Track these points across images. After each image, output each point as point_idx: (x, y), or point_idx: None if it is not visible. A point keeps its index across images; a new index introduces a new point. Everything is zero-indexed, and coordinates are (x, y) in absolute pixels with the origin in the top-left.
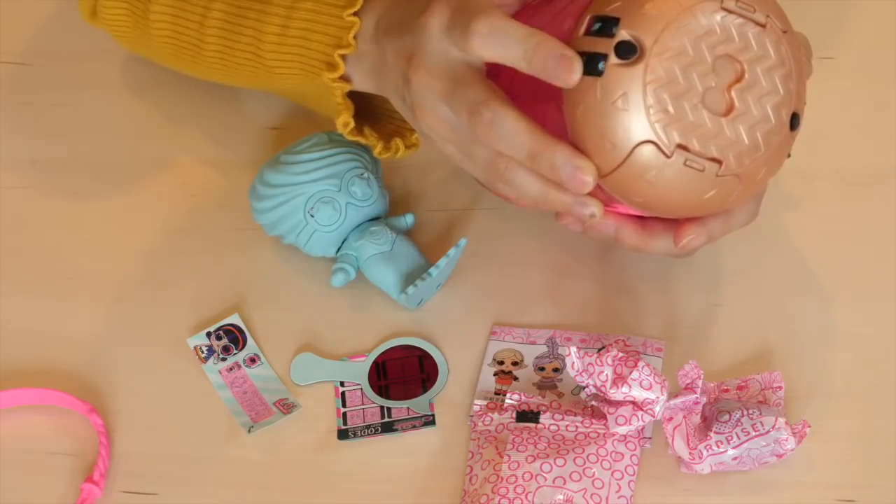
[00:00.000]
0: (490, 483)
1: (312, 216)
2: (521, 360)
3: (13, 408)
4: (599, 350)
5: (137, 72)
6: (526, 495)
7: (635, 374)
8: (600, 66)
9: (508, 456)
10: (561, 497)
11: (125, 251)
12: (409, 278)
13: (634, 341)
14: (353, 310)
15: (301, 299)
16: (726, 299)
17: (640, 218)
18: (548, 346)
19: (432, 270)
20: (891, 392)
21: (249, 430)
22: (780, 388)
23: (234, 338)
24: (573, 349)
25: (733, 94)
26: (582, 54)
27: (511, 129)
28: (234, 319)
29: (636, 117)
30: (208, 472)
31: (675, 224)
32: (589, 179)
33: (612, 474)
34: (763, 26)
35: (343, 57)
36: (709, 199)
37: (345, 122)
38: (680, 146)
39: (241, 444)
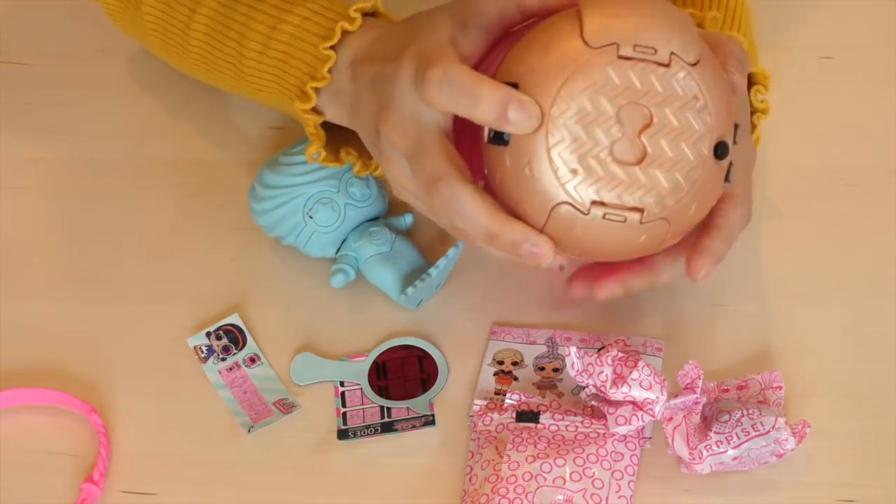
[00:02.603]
0: (490, 483)
1: (311, 217)
2: (521, 360)
3: (13, 408)
4: (599, 350)
5: (138, 72)
6: (526, 495)
7: (635, 374)
8: (505, 136)
9: (508, 456)
10: (561, 497)
11: (125, 251)
12: (409, 279)
13: (634, 341)
14: (353, 310)
15: (301, 299)
16: (726, 299)
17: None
18: (547, 346)
19: (432, 271)
20: (891, 392)
21: (249, 430)
22: (780, 388)
23: (233, 338)
24: (573, 349)
25: (643, 140)
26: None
27: (467, 209)
28: (234, 319)
29: (546, 181)
30: (208, 472)
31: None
32: (546, 254)
33: (612, 474)
34: (667, 65)
35: (317, 89)
36: (642, 243)
37: (315, 151)
38: (595, 202)
39: (241, 444)
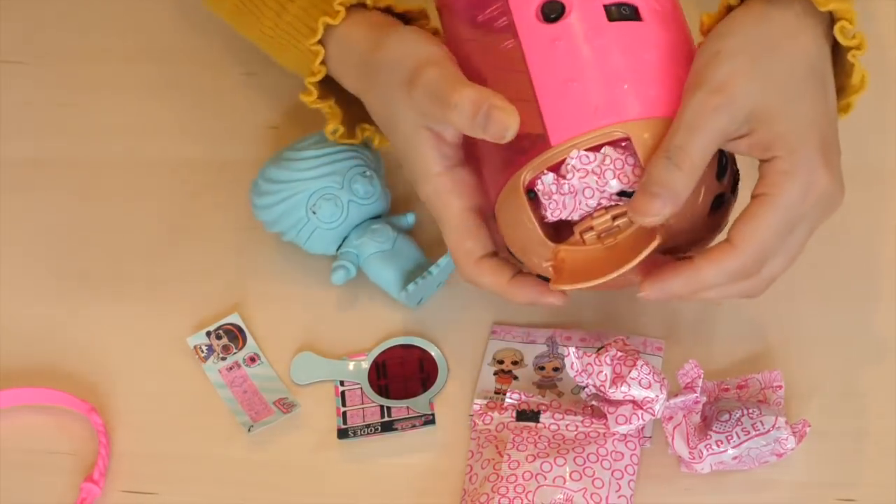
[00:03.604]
0: (490, 482)
1: (314, 213)
2: (521, 360)
3: (13, 408)
4: (598, 350)
5: (138, 72)
6: (526, 495)
7: (634, 373)
8: None
9: (508, 455)
10: (561, 496)
11: (125, 251)
12: (410, 277)
13: (634, 340)
14: (354, 309)
15: (301, 298)
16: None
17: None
18: (548, 346)
19: (433, 269)
20: (891, 392)
21: (249, 430)
22: (780, 387)
23: (233, 337)
24: (572, 350)
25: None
26: None
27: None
28: (234, 319)
29: None
30: (208, 471)
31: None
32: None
33: (612, 474)
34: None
35: (316, 84)
36: None
37: (332, 129)
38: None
39: (241, 443)
